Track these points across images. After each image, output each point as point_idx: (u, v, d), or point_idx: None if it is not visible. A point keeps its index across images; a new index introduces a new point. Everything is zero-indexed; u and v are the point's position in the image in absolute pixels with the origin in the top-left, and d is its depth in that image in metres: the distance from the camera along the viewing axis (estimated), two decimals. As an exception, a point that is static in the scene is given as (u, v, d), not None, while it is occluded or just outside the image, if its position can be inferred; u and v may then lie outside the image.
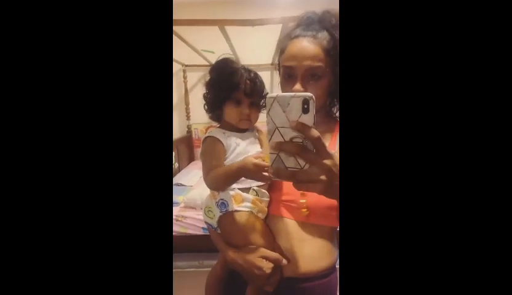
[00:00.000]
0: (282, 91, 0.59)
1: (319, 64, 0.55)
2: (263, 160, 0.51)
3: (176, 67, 2.90)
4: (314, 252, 0.57)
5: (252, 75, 0.62)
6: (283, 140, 0.41)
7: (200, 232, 1.53)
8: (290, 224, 0.57)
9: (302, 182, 0.41)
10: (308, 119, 0.40)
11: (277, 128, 0.41)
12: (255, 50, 2.58)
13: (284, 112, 0.40)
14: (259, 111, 0.65)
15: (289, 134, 0.41)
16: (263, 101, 0.64)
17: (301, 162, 0.41)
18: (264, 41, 2.33)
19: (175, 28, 1.40)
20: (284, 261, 0.54)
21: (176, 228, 1.56)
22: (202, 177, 0.60)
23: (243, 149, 0.61)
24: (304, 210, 0.56)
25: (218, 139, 0.61)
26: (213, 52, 2.56)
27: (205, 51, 2.41)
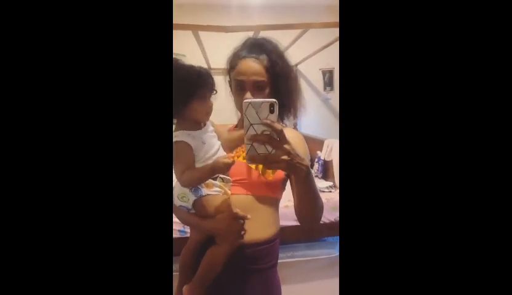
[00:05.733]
0: (235, 99, 0.80)
1: (262, 78, 0.77)
2: (229, 158, 0.69)
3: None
4: (265, 220, 0.78)
5: (210, 73, 0.76)
6: (256, 133, 0.57)
7: (177, 235, 1.51)
8: (246, 198, 0.77)
9: (271, 162, 0.59)
10: (274, 117, 0.57)
11: (251, 124, 0.57)
12: (226, 54, 2.63)
13: (256, 112, 0.56)
14: None
15: (260, 128, 0.57)
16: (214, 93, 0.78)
17: (269, 148, 0.58)
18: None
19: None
20: (248, 216, 0.72)
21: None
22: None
23: (208, 146, 0.75)
24: (270, 172, 0.77)
25: (187, 143, 0.72)
26: (184, 55, 2.56)
27: (176, 54, 2.40)
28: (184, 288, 0.73)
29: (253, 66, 0.77)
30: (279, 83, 0.79)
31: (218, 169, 0.70)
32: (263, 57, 0.78)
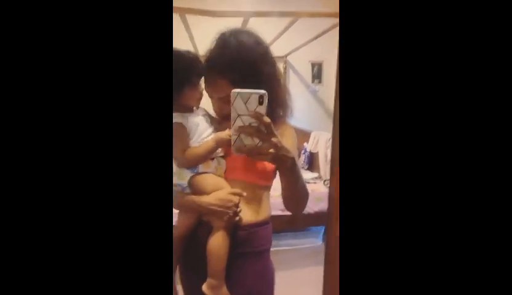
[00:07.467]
0: (207, 90, 0.76)
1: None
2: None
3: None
4: (257, 204, 0.80)
5: (199, 56, 0.75)
6: (243, 124, 0.56)
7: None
8: (240, 183, 0.77)
9: (257, 154, 0.59)
10: (262, 109, 0.55)
11: (239, 115, 0.56)
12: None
13: (244, 104, 0.55)
14: None
15: (248, 120, 0.56)
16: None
17: (256, 140, 0.57)
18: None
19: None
20: (244, 193, 0.74)
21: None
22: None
23: (203, 128, 0.75)
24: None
25: (181, 124, 0.72)
26: (171, 41, 2.49)
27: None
28: (204, 286, 0.72)
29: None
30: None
31: (221, 144, 0.71)
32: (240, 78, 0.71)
